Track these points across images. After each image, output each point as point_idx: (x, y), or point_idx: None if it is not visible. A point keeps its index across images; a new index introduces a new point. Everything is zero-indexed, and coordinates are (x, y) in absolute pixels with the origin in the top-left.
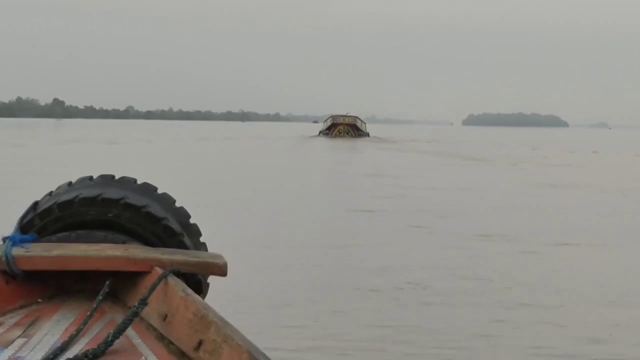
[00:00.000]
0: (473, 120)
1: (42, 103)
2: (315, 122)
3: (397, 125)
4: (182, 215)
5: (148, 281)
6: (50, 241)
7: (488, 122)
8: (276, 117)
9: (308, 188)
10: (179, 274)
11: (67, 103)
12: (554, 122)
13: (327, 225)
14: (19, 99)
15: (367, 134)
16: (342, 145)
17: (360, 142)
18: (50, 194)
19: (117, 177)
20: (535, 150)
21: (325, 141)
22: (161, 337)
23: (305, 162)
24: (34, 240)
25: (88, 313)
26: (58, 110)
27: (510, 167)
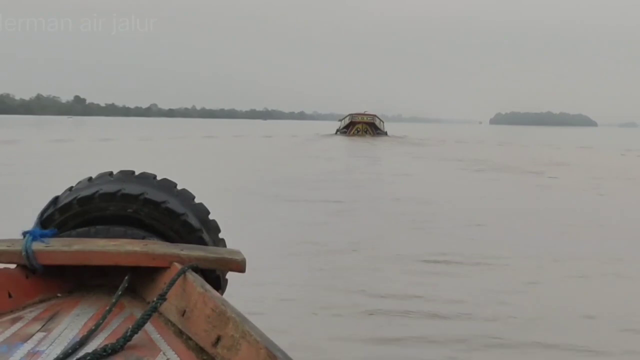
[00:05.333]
0: (501, 119)
1: (64, 100)
2: (341, 120)
3: (423, 124)
4: (201, 211)
5: (167, 277)
6: (70, 236)
7: (516, 121)
8: (301, 116)
9: None
10: (197, 270)
11: (88, 100)
12: (582, 121)
13: None
14: (38, 96)
15: (385, 133)
16: (354, 147)
17: (376, 144)
18: (71, 189)
19: (136, 173)
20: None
21: (337, 141)
22: (179, 333)
23: (270, 187)
24: (54, 235)
25: (107, 308)
26: (78, 107)
27: (596, 192)
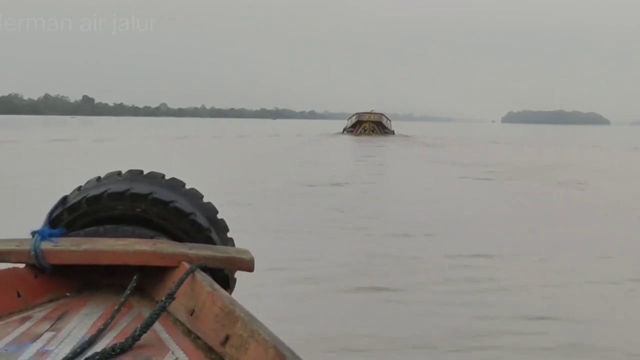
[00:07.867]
0: (513, 118)
1: (72, 100)
2: (349, 119)
3: (435, 123)
4: (210, 210)
5: (175, 276)
6: (78, 235)
7: (528, 120)
8: (312, 115)
9: None
10: (206, 269)
11: (96, 100)
12: (595, 119)
13: None
14: (46, 96)
15: (393, 132)
16: (357, 148)
17: (381, 145)
18: (79, 188)
19: (145, 173)
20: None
21: (341, 142)
22: (188, 332)
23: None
24: (62, 235)
25: (116, 307)
26: (87, 107)
27: None
